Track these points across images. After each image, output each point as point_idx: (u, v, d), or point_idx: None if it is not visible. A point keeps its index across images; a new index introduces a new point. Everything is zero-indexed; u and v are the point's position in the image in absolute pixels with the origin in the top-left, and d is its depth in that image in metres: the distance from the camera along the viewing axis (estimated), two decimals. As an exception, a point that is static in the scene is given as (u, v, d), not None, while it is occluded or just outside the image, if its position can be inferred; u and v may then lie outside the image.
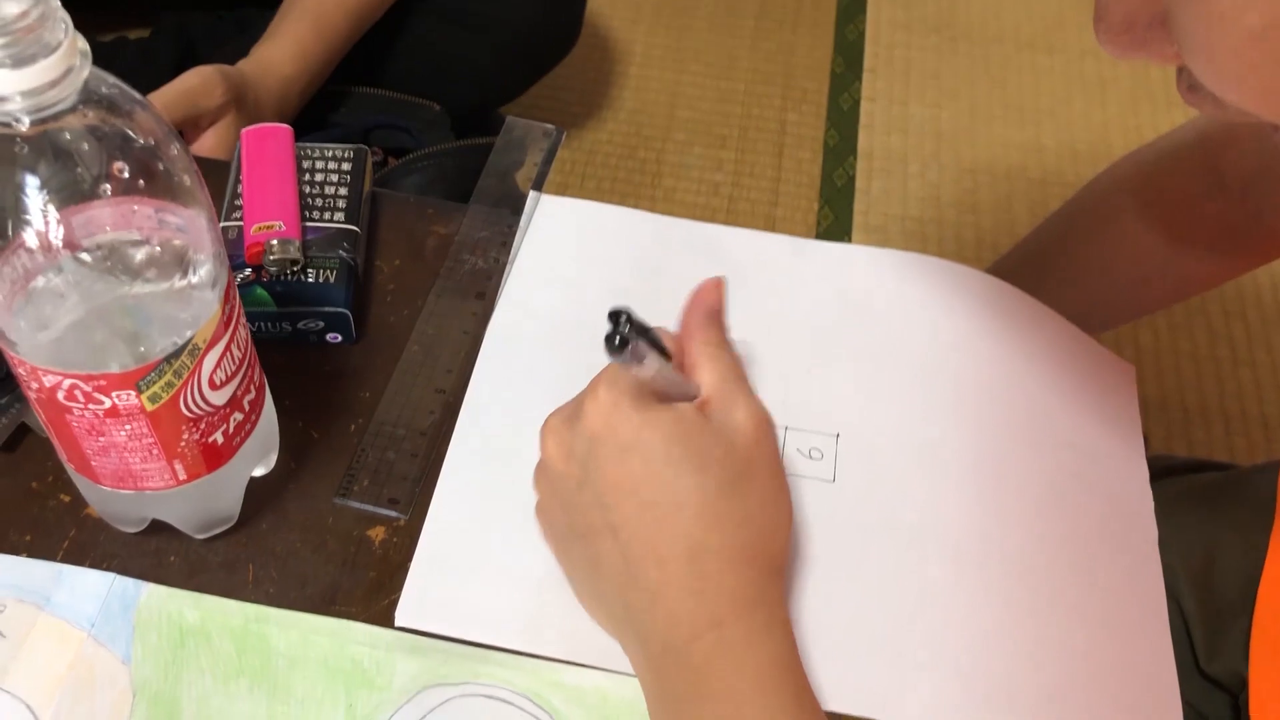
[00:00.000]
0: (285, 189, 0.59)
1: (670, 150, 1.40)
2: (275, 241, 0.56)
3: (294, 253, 0.56)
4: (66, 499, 0.51)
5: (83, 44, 0.36)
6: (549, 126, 0.70)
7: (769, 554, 0.45)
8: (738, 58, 1.50)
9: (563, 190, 0.64)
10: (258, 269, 0.56)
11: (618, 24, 1.51)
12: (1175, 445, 1.16)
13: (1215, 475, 0.75)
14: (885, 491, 0.54)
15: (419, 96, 1.06)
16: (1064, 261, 0.79)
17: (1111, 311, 0.81)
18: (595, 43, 1.42)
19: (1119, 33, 0.38)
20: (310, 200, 0.60)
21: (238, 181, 0.60)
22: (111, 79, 0.38)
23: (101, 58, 0.96)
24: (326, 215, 0.59)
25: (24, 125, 0.35)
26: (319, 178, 0.61)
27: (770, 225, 1.33)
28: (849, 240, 1.31)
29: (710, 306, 0.49)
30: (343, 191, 0.61)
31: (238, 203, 0.58)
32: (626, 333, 0.42)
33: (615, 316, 0.43)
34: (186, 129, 0.80)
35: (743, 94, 1.46)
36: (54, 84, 0.35)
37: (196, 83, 0.78)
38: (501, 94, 1.17)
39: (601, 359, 0.48)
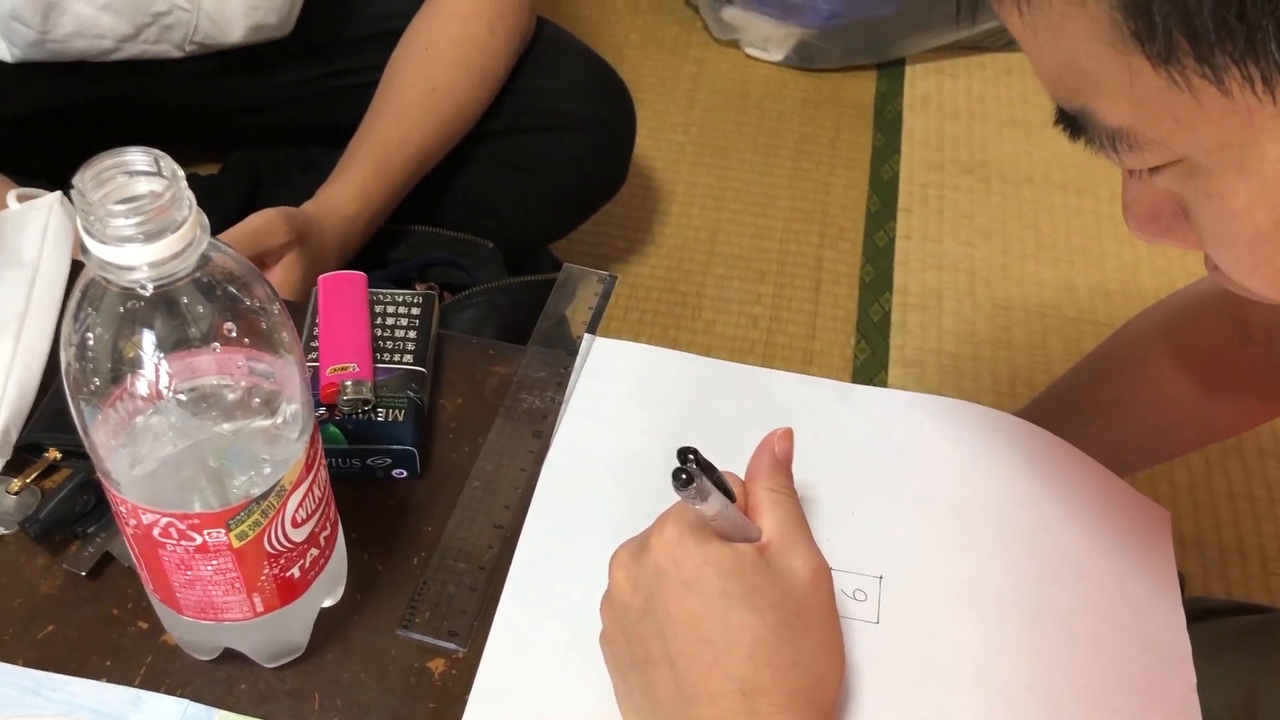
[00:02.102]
0: (359, 333, 0.63)
1: (711, 284, 1.44)
2: (349, 383, 0.60)
3: (366, 393, 0.60)
4: (145, 626, 0.54)
5: (203, 219, 0.40)
6: (603, 273, 0.74)
7: (820, 698, 0.47)
8: (776, 196, 1.56)
9: (608, 321, 0.67)
10: (331, 408, 0.60)
11: (661, 164, 1.57)
12: (1213, 584, 1.16)
13: (1256, 618, 0.76)
14: (927, 633, 0.56)
15: (473, 235, 1.11)
16: (1096, 405, 0.81)
17: (1144, 454, 0.83)
18: (639, 182, 1.48)
19: (1145, 222, 0.41)
20: (381, 342, 0.64)
21: (314, 324, 0.64)
22: (224, 245, 0.42)
23: None
24: (396, 357, 0.63)
25: (148, 291, 0.39)
26: (390, 321, 0.65)
27: (808, 358, 1.36)
28: (885, 374, 1.34)
29: (778, 454, 0.52)
30: (411, 335, 0.64)
31: (314, 344, 0.62)
32: (693, 470, 0.45)
33: (683, 454, 0.46)
34: (255, 267, 0.85)
35: (781, 231, 1.51)
36: (177, 256, 0.39)
37: (262, 223, 0.83)
38: (551, 233, 1.23)
39: (653, 498, 0.51)
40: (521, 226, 1.16)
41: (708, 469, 0.47)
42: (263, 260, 0.85)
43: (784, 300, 1.42)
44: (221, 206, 1.15)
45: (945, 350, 1.37)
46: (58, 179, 1.11)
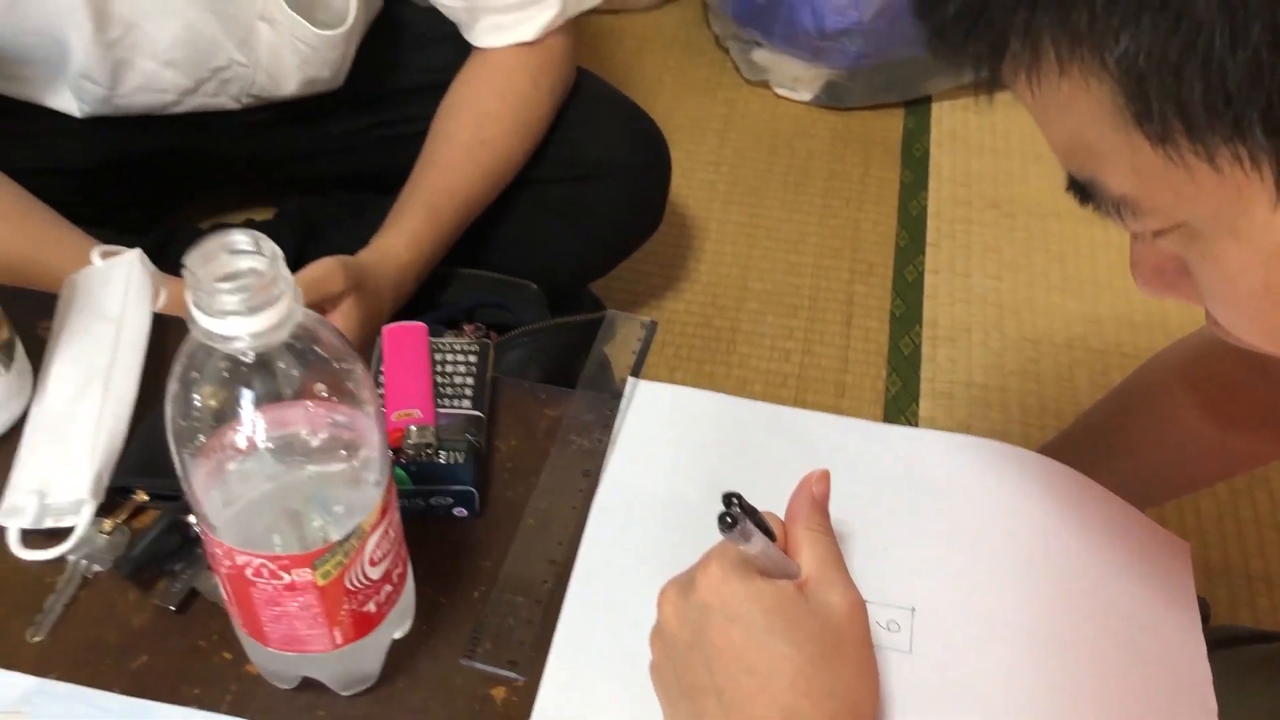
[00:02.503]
0: (421, 380, 0.67)
1: (744, 319, 1.48)
2: (414, 428, 0.64)
3: (429, 437, 0.64)
4: (229, 656, 0.59)
5: (298, 292, 0.44)
6: (644, 320, 0.78)
7: (856, 722, 0.50)
8: (807, 233, 1.60)
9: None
10: (397, 451, 0.64)
11: (694, 203, 1.62)
12: (1239, 612, 1.18)
13: (1279, 645, 0.79)
14: (958, 662, 0.59)
15: (517, 276, 1.16)
16: (1119, 441, 0.84)
17: (1166, 487, 0.86)
18: (674, 220, 1.52)
19: (1150, 278, 0.45)
20: (441, 388, 0.68)
21: (379, 372, 0.68)
22: (314, 313, 0.47)
23: None
24: (455, 402, 0.68)
25: (249, 358, 0.44)
26: (449, 368, 0.69)
27: (840, 391, 1.40)
28: (916, 406, 1.37)
29: (815, 495, 0.56)
30: (469, 381, 0.69)
31: (380, 392, 0.67)
32: (737, 514, 0.49)
33: (728, 499, 0.51)
34: (314, 314, 0.90)
35: (812, 266, 1.55)
36: (275, 328, 0.43)
37: (322, 272, 0.88)
38: (591, 273, 1.27)
39: (696, 535, 0.55)
40: (563, 268, 1.21)
41: (750, 512, 0.51)
42: (321, 308, 0.90)
43: (816, 334, 1.46)
44: (276, 252, 1.21)
45: (975, 382, 1.40)
46: (124, 226, 1.17)
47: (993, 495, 0.67)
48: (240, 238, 0.43)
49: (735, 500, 0.50)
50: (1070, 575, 0.64)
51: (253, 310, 0.42)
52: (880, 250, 1.57)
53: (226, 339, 0.43)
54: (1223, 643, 0.72)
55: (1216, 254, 0.39)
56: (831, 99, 1.78)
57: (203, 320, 0.43)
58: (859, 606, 0.52)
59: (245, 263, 0.43)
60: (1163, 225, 0.40)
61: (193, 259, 0.43)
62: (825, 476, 0.57)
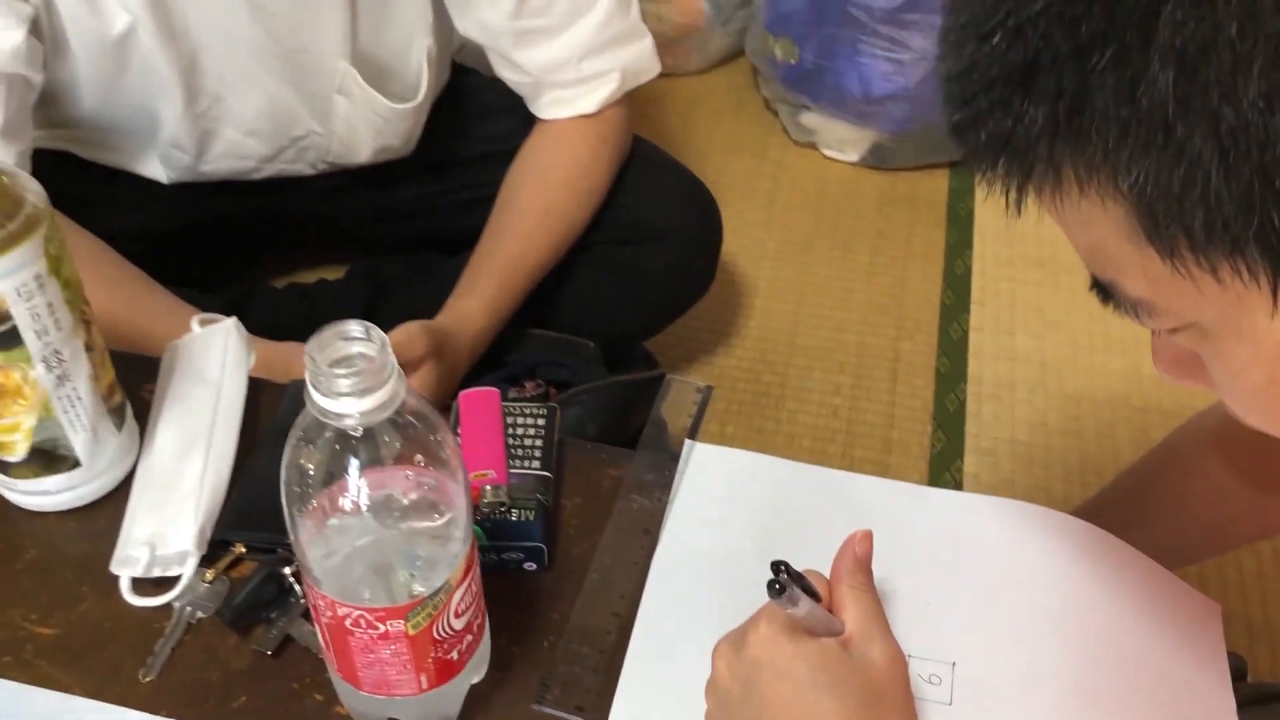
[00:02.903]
0: (495, 443, 0.72)
1: (792, 375, 1.53)
2: (489, 488, 0.70)
3: (503, 497, 0.70)
4: (320, 698, 0.64)
5: (402, 376, 0.50)
6: (701, 384, 0.83)
7: (897, 771, 0.55)
8: (854, 290, 1.64)
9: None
10: (473, 509, 0.69)
11: (744, 260, 1.67)
12: (1281, 669, 1.20)
13: (1317, 702, 0.81)
14: (996, 714, 0.63)
15: (575, 335, 1.21)
16: (1155, 502, 0.88)
17: (1202, 548, 0.89)
18: (724, 278, 1.57)
19: (1169, 368, 0.49)
20: (512, 450, 0.73)
21: (456, 435, 0.73)
22: (415, 392, 0.52)
23: (308, 299, 1.20)
24: (526, 463, 0.73)
25: (358, 432, 0.49)
26: (519, 430, 0.75)
27: (887, 447, 1.43)
28: (961, 462, 1.41)
29: (859, 554, 0.60)
30: (539, 443, 0.74)
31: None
32: (784, 581, 0.54)
33: (776, 567, 0.55)
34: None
35: (859, 323, 1.59)
36: (381, 407, 0.49)
37: (405, 337, 0.94)
38: (646, 331, 1.33)
39: (750, 592, 0.60)
40: (619, 326, 1.26)
41: (796, 577, 0.56)
42: (402, 369, 0.95)
43: (863, 390, 1.50)
44: (348, 310, 1.27)
45: (1018, 439, 1.44)
46: (204, 285, 1.24)
47: (1029, 556, 0.71)
48: (354, 327, 0.49)
49: (783, 568, 0.55)
50: (1103, 634, 0.68)
51: (363, 392, 0.48)
52: (926, 308, 1.61)
53: (339, 416, 0.49)
54: (1257, 700, 0.75)
55: (1224, 352, 0.43)
56: (878, 160, 1.83)
57: (319, 399, 0.48)
58: (899, 660, 0.57)
59: (357, 349, 0.49)
60: (1176, 324, 0.44)
61: (312, 345, 0.48)
62: (868, 537, 0.61)
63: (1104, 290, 0.46)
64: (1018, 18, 0.38)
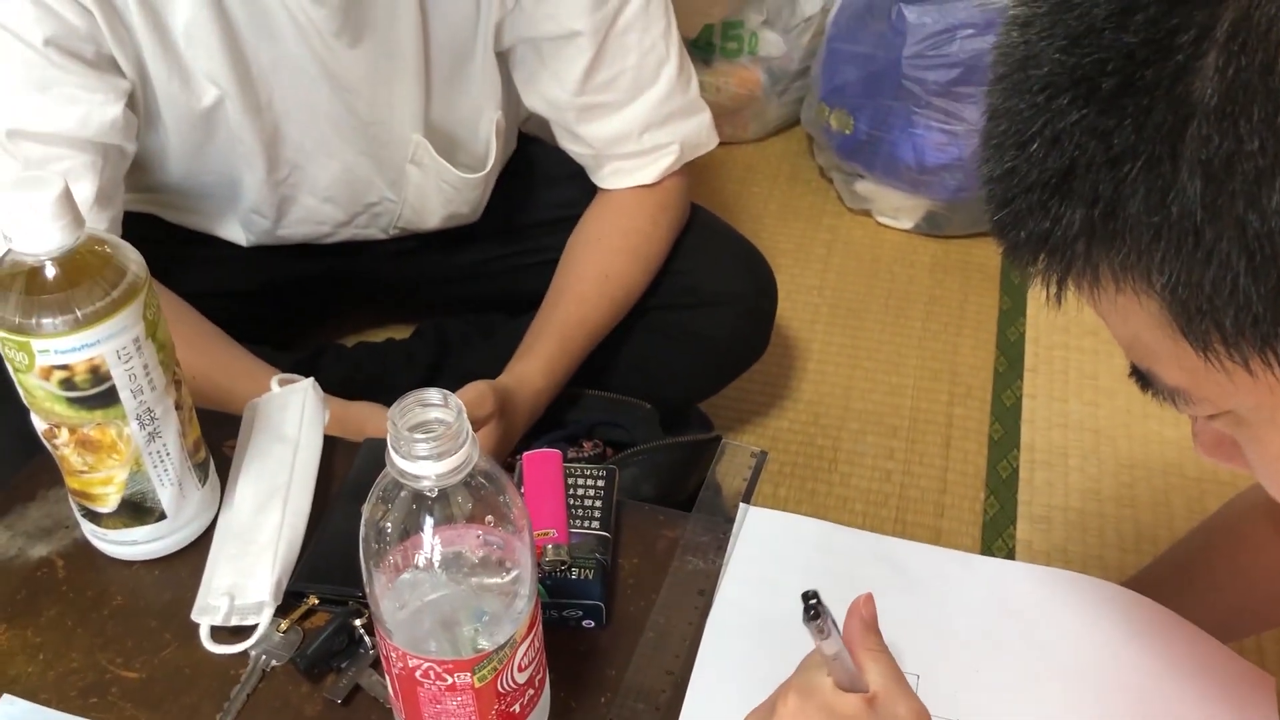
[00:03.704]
0: (556, 503, 0.75)
1: (845, 438, 1.54)
2: (550, 546, 0.72)
3: (564, 555, 0.72)
4: (386, 746, 0.67)
5: (475, 441, 0.53)
6: (755, 449, 0.85)
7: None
8: (906, 355, 1.66)
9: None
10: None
11: (798, 325, 1.69)
12: (1340, 745, 1.19)
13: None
14: (1042, 782, 0.64)
15: (632, 396, 1.24)
16: (1206, 573, 0.88)
17: (1255, 620, 0.90)
18: (779, 342, 1.60)
19: (1210, 450, 0.52)
20: (573, 510, 0.76)
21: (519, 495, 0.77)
22: (486, 456, 0.55)
23: (376, 357, 1.25)
24: (586, 523, 0.76)
25: (434, 493, 0.53)
26: (579, 492, 0.78)
27: (939, 512, 1.44)
28: (1014, 529, 1.41)
29: (866, 618, 0.62)
30: (598, 504, 0.77)
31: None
32: (819, 607, 0.55)
33: (807, 596, 0.57)
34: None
35: (912, 388, 1.61)
36: (456, 470, 0.52)
37: (474, 396, 0.98)
38: (701, 393, 1.35)
39: (800, 652, 0.61)
40: (674, 389, 1.29)
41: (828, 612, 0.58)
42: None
43: (916, 455, 1.52)
44: (414, 368, 1.32)
45: (1071, 507, 1.44)
46: (277, 343, 1.29)
47: (1078, 626, 0.72)
48: (433, 395, 0.52)
49: (815, 597, 0.57)
50: (1152, 705, 0.69)
51: (440, 456, 0.51)
52: (979, 374, 1.63)
53: (417, 478, 0.52)
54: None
55: (1259, 438, 0.45)
56: (932, 227, 1.85)
57: (399, 461, 0.52)
58: (925, 716, 0.58)
59: (435, 414, 0.52)
60: (1213, 411, 0.46)
61: (394, 411, 0.52)
62: (870, 600, 0.62)
63: (1143, 377, 0.48)
64: (1054, 128, 0.41)
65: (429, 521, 0.54)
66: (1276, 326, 0.39)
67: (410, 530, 0.55)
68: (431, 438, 0.51)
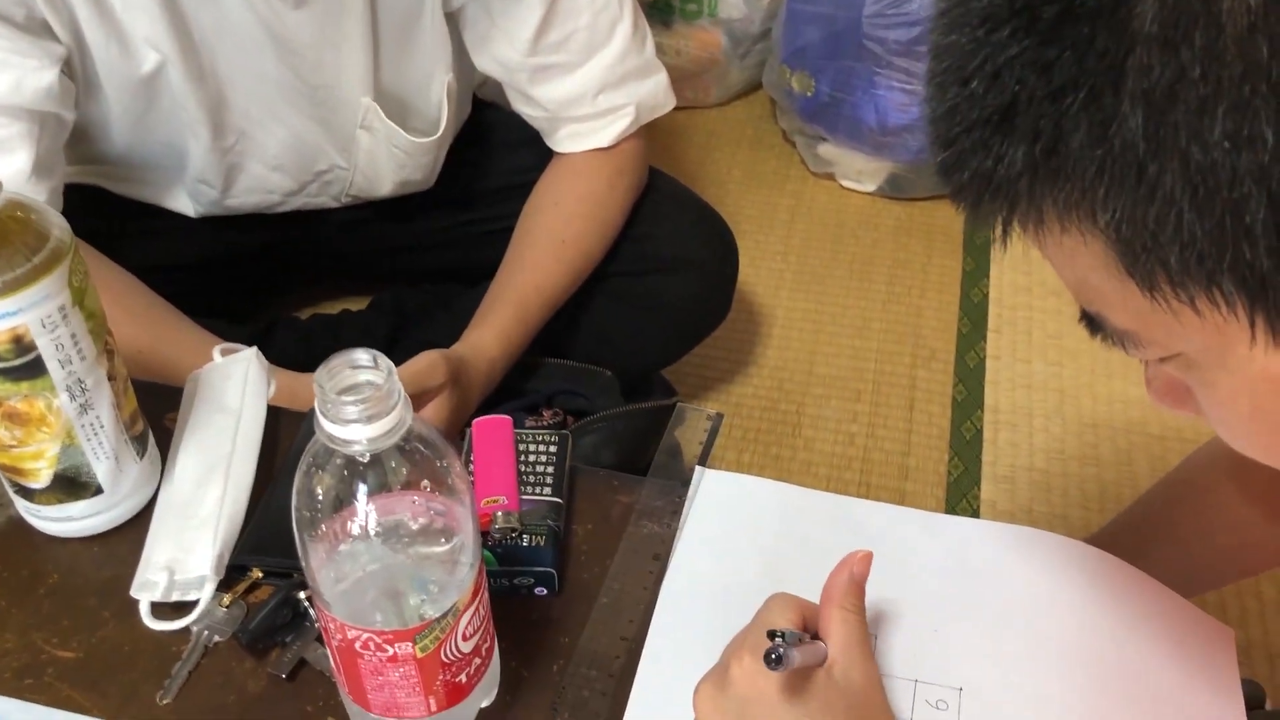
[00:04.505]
0: (507, 469, 0.74)
1: (809, 403, 1.53)
2: (500, 513, 0.71)
3: (514, 522, 0.71)
4: (333, 721, 0.65)
5: (408, 403, 0.51)
6: (711, 411, 0.84)
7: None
8: (870, 319, 1.65)
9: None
10: (485, 535, 0.71)
11: (762, 291, 1.68)
12: (1303, 697, 1.19)
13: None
14: (1001, 741, 0.64)
15: (593, 364, 1.23)
16: (1167, 529, 0.88)
17: (1215, 575, 0.89)
18: (742, 307, 1.58)
19: (1162, 396, 0.50)
20: (524, 476, 0.75)
21: (469, 462, 0.75)
22: (420, 418, 0.53)
23: (331, 329, 1.22)
24: (537, 489, 0.74)
25: (365, 458, 0.51)
26: (531, 457, 0.76)
27: (903, 474, 1.44)
28: (978, 489, 1.41)
29: (855, 575, 0.61)
30: (550, 469, 0.75)
31: (469, 480, 0.73)
32: (784, 653, 0.54)
33: (771, 636, 0.56)
34: (411, 403, 0.97)
35: (875, 352, 1.60)
36: (388, 433, 0.50)
37: (425, 365, 0.95)
38: (663, 361, 1.34)
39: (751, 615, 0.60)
40: (636, 356, 1.28)
41: (795, 640, 0.57)
42: (419, 398, 0.97)
43: (880, 419, 1.51)
44: (370, 340, 1.29)
45: (1035, 467, 1.44)
46: (229, 316, 1.27)
47: (1039, 583, 0.72)
48: (361, 355, 0.50)
49: (780, 636, 0.56)
50: (1113, 660, 0.68)
51: (370, 419, 0.49)
52: (943, 336, 1.62)
53: (347, 442, 0.50)
54: (1275, 726, 0.75)
55: (1210, 381, 0.44)
56: (895, 190, 1.84)
57: (327, 426, 0.50)
58: (879, 685, 0.58)
59: (365, 376, 0.51)
60: (1163, 354, 0.45)
61: (321, 374, 0.50)
62: (868, 558, 0.62)
63: (1092, 321, 0.47)
64: (995, 62, 0.39)
65: (362, 489, 0.52)
66: (1221, 264, 0.38)
67: (344, 498, 0.53)
68: (360, 399, 0.49)
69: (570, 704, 0.65)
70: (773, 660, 0.54)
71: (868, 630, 0.60)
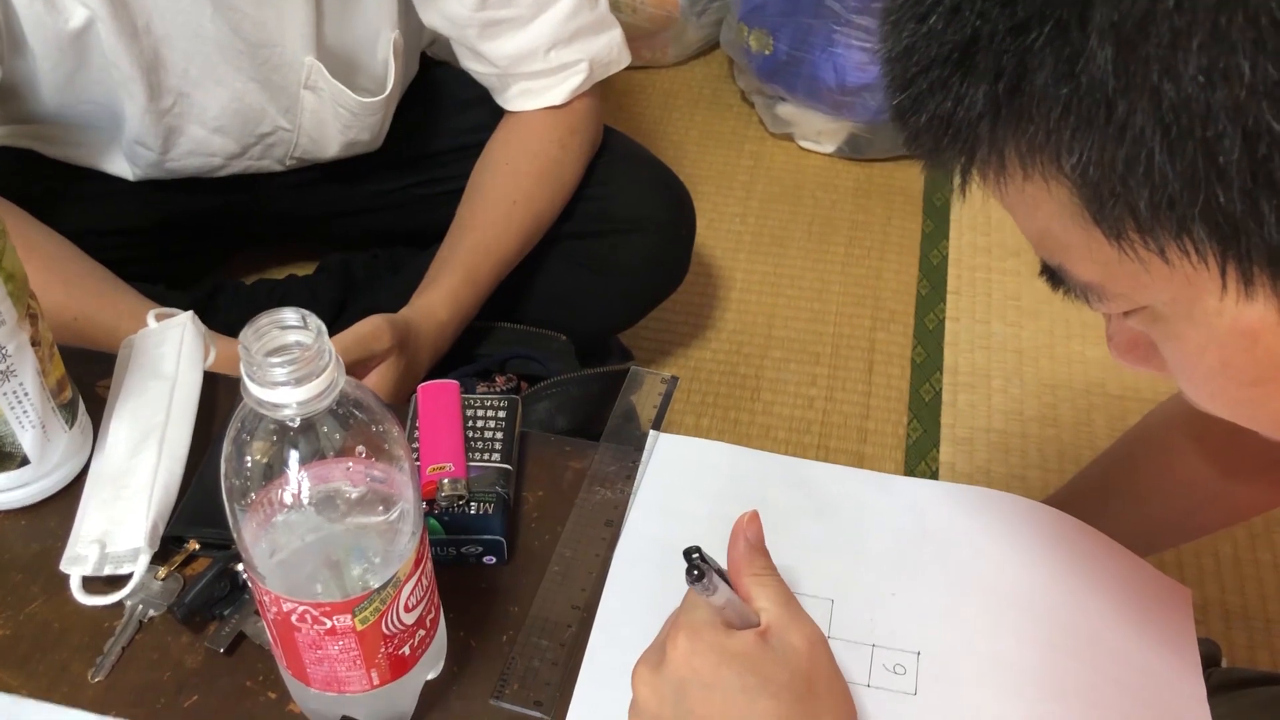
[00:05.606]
0: (454, 435, 0.71)
1: (768, 367, 1.52)
2: (446, 480, 0.69)
3: (461, 490, 0.69)
4: (274, 696, 0.63)
5: (340, 364, 0.49)
6: (666, 375, 0.82)
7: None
8: (829, 281, 1.64)
9: (672, 404, 0.74)
10: (431, 503, 0.68)
11: (720, 253, 1.66)
12: (1258, 655, 1.20)
13: (1285, 685, 0.81)
14: (961, 704, 0.62)
15: (547, 328, 1.20)
16: (1125, 489, 0.87)
17: (1172, 534, 0.89)
18: (700, 270, 1.56)
19: (1124, 352, 0.49)
20: (472, 442, 0.72)
21: (414, 428, 0.72)
22: (354, 381, 0.51)
23: (276, 295, 1.19)
24: (486, 456, 0.72)
25: (296, 423, 0.48)
26: (480, 423, 0.74)
27: (862, 437, 1.43)
28: (937, 451, 1.40)
29: (750, 539, 0.59)
30: (499, 435, 0.73)
31: (415, 446, 0.71)
32: (704, 566, 0.52)
33: (689, 553, 0.53)
34: (356, 369, 0.94)
35: (835, 315, 1.59)
36: (319, 396, 0.48)
37: (369, 330, 0.93)
38: (619, 324, 1.32)
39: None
40: (592, 320, 1.25)
41: (712, 564, 0.54)
42: (366, 363, 0.94)
43: (839, 381, 1.50)
44: (318, 306, 1.26)
45: (994, 428, 1.43)
46: (173, 282, 1.23)
47: (996, 544, 0.70)
48: (289, 315, 0.48)
49: (697, 552, 0.53)
50: (1071, 621, 0.67)
51: (299, 381, 0.47)
52: (902, 298, 1.61)
53: (276, 406, 0.47)
54: (1230, 685, 0.75)
55: (1177, 334, 0.42)
56: (854, 151, 1.82)
57: (255, 390, 0.47)
58: (820, 642, 0.55)
59: (293, 337, 0.48)
60: (1127, 308, 0.43)
61: (246, 335, 0.47)
62: (755, 518, 0.59)
63: (1053, 275, 0.45)
64: None
65: (294, 456, 0.50)
66: (1193, 208, 0.36)
67: (274, 464, 0.50)
68: (289, 360, 0.46)
69: (520, 674, 0.64)
70: (694, 576, 0.52)
71: (789, 591, 0.57)
